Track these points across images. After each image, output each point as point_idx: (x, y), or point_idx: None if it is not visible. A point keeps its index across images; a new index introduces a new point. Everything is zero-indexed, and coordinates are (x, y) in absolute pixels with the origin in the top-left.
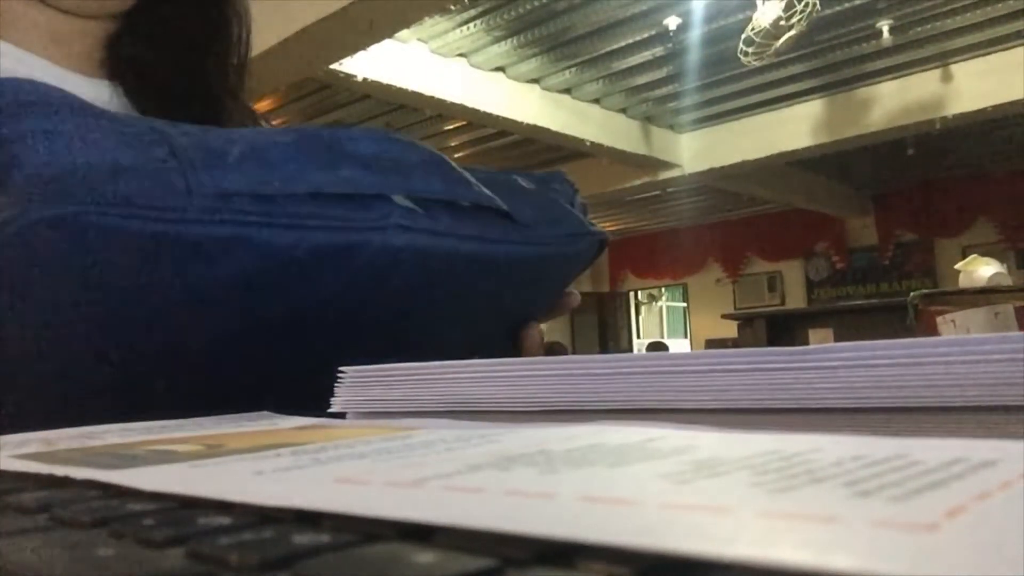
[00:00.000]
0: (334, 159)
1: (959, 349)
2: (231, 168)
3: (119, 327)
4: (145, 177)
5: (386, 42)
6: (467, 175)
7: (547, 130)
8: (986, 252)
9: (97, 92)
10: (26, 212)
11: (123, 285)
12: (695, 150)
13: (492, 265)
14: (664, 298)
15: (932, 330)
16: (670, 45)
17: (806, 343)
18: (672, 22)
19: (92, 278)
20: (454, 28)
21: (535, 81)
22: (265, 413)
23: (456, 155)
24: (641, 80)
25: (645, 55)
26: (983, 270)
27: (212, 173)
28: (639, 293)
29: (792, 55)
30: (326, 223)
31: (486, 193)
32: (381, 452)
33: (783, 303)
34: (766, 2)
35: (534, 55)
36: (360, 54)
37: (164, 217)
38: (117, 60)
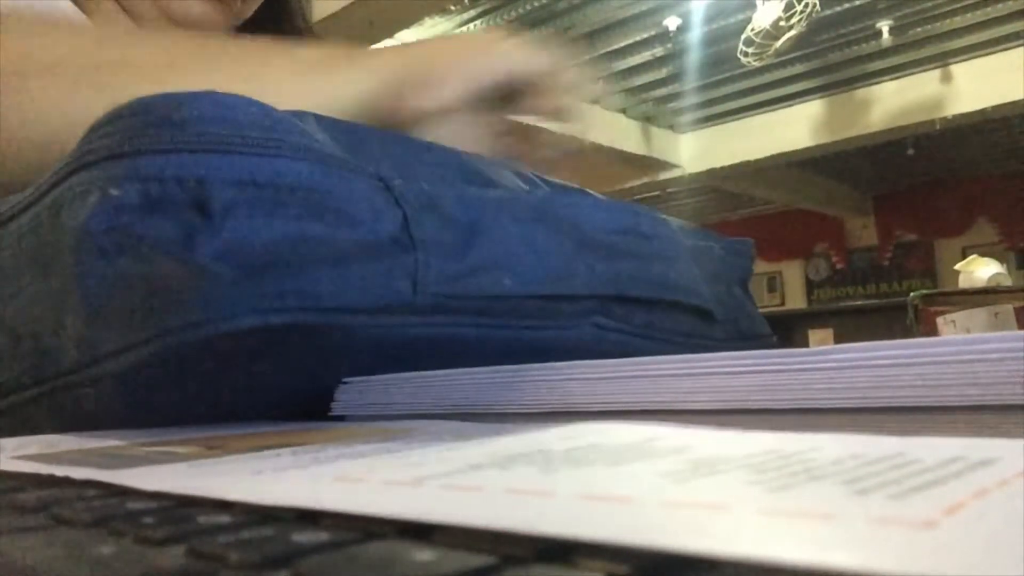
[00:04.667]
0: (570, 253)
1: (958, 348)
2: (465, 264)
3: (280, 399)
4: (368, 274)
5: (386, 42)
6: (692, 266)
7: (547, 130)
8: (986, 252)
9: None
10: (216, 321)
11: (303, 372)
12: (695, 150)
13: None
14: None
15: (932, 330)
16: (670, 45)
17: (806, 343)
18: (672, 23)
19: (274, 371)
20: (454, 28)
21: None
22: (266, 422)
23: None
24: (641, 80)
25: (645, 55)
26: (983, 270)
27: (444, 269)
28: None
29: (792, 55)
30: (536, 323)
31: (702, 293)
32: (381, 452)
33: (783, 303)
34: (766, 2)
35: None
36: None
37: (380, 323)
38: None
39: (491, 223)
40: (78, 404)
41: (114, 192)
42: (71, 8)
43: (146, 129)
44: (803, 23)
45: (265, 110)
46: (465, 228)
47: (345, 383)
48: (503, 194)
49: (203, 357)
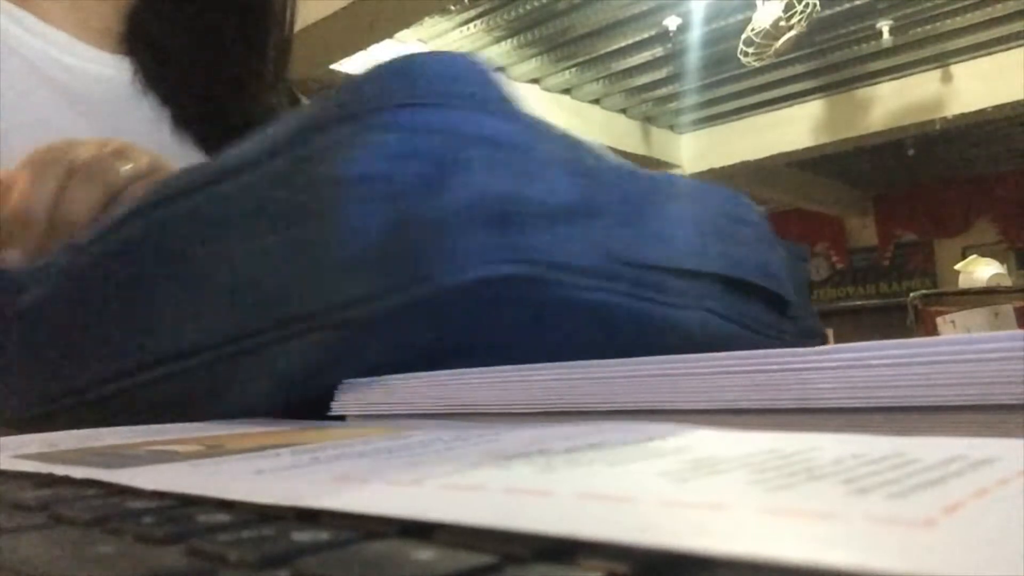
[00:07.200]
0: (702, 232)
1: (958, 348)
2: (639, 232)
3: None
4: (570, 236)
5: (386, 42)
6: (780, 256)
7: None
8: (986, 252)
9: (117, 70)
10: (466, 268)
11: (495, 343)
12: (695, 150)
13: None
14: None
15: (932, 330)
16: (670, 45)
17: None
18: (672, 23)
19: (488, 342)
20: (454, 28)
21: (535, 81)
22: (265, 420)
23: None
24: (641, 80)
25: (645, 55)
26: (983, 270)
27: (623, 236)
28: None
29: (792, 55)
30: (668, 300)
31: (787, 285)
32: (381, 451)
33: None
34: (766, 2)
35: (534, 55)
36: (360, 54)
37: (581, 284)
38: (136, 36)
39: (651, 197)
40: (313, 352)
41: (378, 140)
42: None
43: (406, 85)
44: (803, 23)
45: (484, 67)
46: (634, 198)
47: (346, 383)
48: (650, 173)
49: (437, 312)
